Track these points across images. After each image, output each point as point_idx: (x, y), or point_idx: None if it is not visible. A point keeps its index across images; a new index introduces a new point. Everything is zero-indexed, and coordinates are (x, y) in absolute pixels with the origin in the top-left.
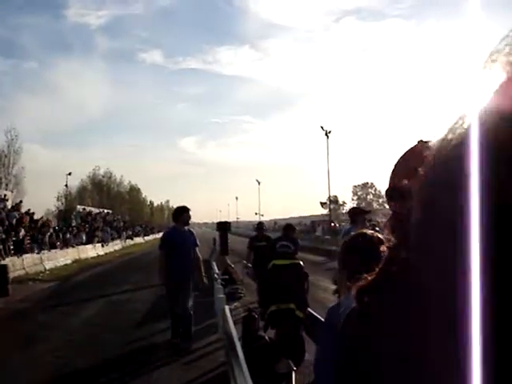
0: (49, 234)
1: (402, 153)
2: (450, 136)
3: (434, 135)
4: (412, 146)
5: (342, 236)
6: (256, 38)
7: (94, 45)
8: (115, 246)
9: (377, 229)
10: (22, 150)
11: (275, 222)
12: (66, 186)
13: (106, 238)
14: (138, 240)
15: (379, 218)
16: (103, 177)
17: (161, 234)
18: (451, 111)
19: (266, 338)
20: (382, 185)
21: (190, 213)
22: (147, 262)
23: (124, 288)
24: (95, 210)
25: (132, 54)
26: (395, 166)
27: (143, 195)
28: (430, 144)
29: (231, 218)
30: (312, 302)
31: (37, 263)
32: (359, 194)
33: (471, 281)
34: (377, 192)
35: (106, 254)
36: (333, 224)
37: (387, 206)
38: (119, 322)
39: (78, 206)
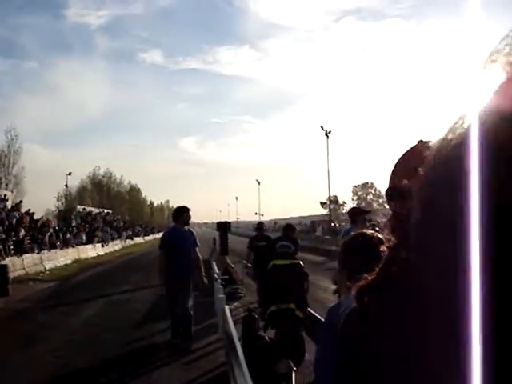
0: (49, 234)
1: (402, 153)
2: (450, 136)
3: (434, 135)
4: (412, 146)
5: (342, 236)
6: (256, 37)
7: (94, 45)
8: (115, 246)
9: (377, 229)
10: (22, 149)
11: (275, 222)
12: (66, 186)
13: (106, 238)
14: (138, 240)
15: (379, 218)
16: (103, 177)
17: (161, 234)
18: (451, 111)
19: (266, 338)
20: (382, 185)
21: (190, 213)
22: (147, 262)
23: (124, 288)
24: (95, 210)
25: (132, 53)
26: (395, 166)
27: (143, 195)
28: (429, 144)
29: (231, 218)
30: (312, 301)
31: (37, 263)
32: (359, 194)
33: (471, 281)
34: (377, 192)
35: (106, 254)
36: (333, 224)
37: (387, 206)
38: (119, 322)
39: (78, 206)
